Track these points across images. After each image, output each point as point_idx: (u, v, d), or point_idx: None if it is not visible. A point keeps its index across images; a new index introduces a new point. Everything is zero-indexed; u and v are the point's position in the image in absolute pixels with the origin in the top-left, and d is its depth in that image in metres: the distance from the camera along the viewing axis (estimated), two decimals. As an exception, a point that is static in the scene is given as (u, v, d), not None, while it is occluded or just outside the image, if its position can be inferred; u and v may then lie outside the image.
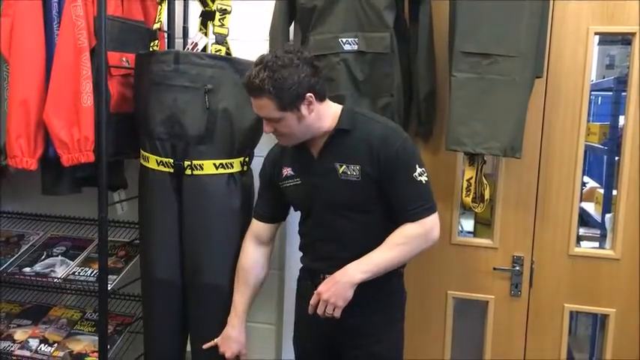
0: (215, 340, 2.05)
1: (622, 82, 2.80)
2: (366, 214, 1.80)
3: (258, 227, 2.02)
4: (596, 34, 2.20)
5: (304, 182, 1.86)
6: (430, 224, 1.76)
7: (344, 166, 1.77)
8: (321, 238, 1.89)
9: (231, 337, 2.01)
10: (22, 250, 2.43)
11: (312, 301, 1.75)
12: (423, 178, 1.76)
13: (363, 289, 1.73)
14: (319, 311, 1.73)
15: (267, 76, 1.65)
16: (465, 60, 2.00)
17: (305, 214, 1.94)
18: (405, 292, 1.96)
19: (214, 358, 2.15)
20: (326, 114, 1.78)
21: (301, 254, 2.00)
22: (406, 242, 1.75)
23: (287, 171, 1.89)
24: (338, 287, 1.71)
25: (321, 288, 1.74)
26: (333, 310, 1.71)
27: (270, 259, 2.07)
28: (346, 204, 1.80)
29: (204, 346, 2.06)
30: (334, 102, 1.85)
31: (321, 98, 1.75)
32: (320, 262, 1.89)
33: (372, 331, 1.84)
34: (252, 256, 2.02)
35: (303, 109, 1.70)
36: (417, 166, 1.76)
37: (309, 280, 1.93)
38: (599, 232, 2.92)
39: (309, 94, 1.69)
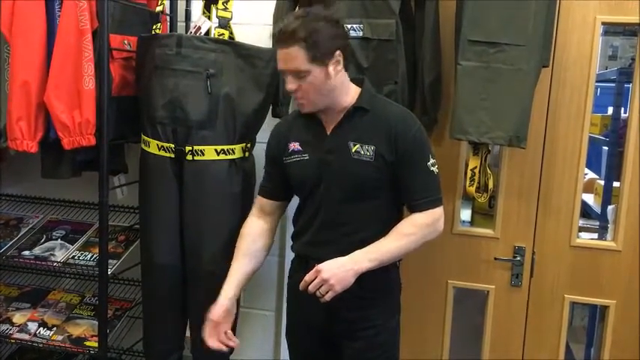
0: (207, 322, 1.85)
1: (625, 74, 2.78)
2: (372, 200, 1.76)
3: (261, 202, 1.95)
4: (603, 23, 2.18)
5: (312, 158, 1.79)
6: (438, 216, 1.75)
7: (357, 146, 1.74)
8: (321, 222, 1.81)
9: (231, 311, 1.87)
10: (21, 233, 2.41)
11: (308, 277, 1.66)
12: (435, 169, 1.75)
13: (360, 281, 1.68)
14: (312, 287, 1.65)
15: (302, 25, 1.63)
16: (472, 48, 1.98)
17: (306, 195, 1.85)
18: (401, 284, 1.92)
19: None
20: (348, 87, 1.77)
21: (293, 243, 1.92)
22: (414, 232, 1.73)
23: (294, 146, 1.83)
24: (342, 271, 1.65)
25: (323, 266, 1.65)
26: (326, 293, 1.64)
27: (273, 236, 1.96)
28: (354, 185, 1.75)
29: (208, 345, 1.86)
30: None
31: (345, 65, 1.74)
32: (317, 249, 1.81)
33: (370, 323, 1.81)
34: (255, 226, 1.93)
35: (331, 67, 1.68)
36: (430, 155, 1.75)
37: (303, 272, 1.78)
38: (598, 223, 2.92)
39: (338, 53, 1.68)
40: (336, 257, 1.70)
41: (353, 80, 1.82)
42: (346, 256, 1.69)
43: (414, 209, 1.75)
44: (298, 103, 1.77)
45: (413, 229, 1.73)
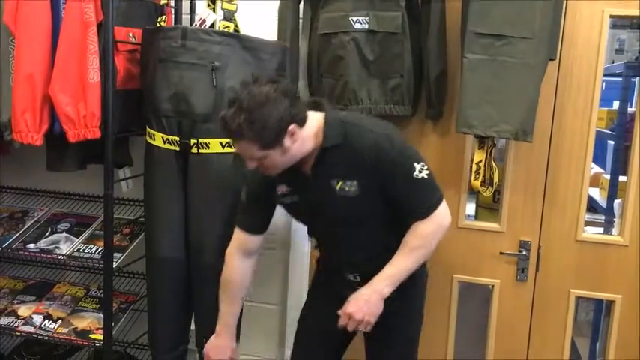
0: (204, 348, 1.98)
1: (631, 67, 2.77)
2: (370, 223, 1.76)
3: (245, 239, 1.87)
4: (611, 17, 2.16)
5: (302, 200, 1.78)
6: (441, 216, 1.70)
7: (341, 183, 1.69)
8: (327, 246, 1.89)
9: (222, 345, 1.94)
10: (26, 226, 2.42)
11: (343, 321, 1.70)
12: (424, 174, 1.67)
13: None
14: (350, 328, 1.70)
15: (245, 120, 1.52)
16: (478, 41, 1.97)
17: (308, 226, 1.93)
18: (424, 274, 1.94)
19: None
20: (309, 134, 1.66)
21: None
22: (423, 243, 1.71)
23: (282, 189, 1.79)
24: (370, 305, 1.68)
25: (351, 309, 1.68)
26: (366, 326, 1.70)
27: (255, 268, 1.95)
28: (348, 219, 1.75)
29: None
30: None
31: (303, 124, 1.63)
32: (333, 264, 1.91)
33: (393, 309, 1.79)
34: (240, 270, 1.90)
35: (287, 141, 1.59)
36: (414, 164, 1.66)
37: (325, 274, 1.95)
38: (603, 217, 2.91)
39: (291, 127, 1.58)
40: (349, 271, 1.84)
41: (312, 104, 1.71)
42: (367, 287, 1.71)
43: (415, 219, 1.70)
44: (262, 171, 1.71)
45: (420, 240, 1.71)
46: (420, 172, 1.67)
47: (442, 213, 1.71)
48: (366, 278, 1.74)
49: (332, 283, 1.89)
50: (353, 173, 1.68)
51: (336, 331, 1.77)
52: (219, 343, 1.95)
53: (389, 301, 1.72)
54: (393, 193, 1.69)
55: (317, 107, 1.72)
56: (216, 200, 2.06)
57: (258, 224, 1.88)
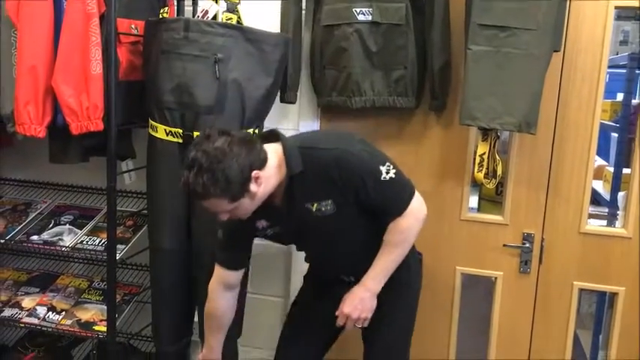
0: None
1: (636, 59, 2.75)
2: (355, 232, 1.79)
3: (225, 275, 1.88)
4: (616, 8, 2.14)
5: (284, 229, 1.82)
6: (416, 209, 1.73)
7: (316, 204, 1.70)
8: (318, 259, 1.96)
9: None
10: (29, 218, 2.42)
11: (340, 321, 1.78)
12: (392, 174, 1.69)
13: (359, 272, 1.79)
14: (348, 327, 1.80)
15: (208, 179, 1.53)
16: (482, 32, 1.96)
17: (296, 247, 1.99)
18: (420, 254, 1.99)
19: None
20: (272, 171, 1.66)
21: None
22: (404, 237, 1.75)
23: (261, 223, 1.81)
24: (365, 303, 1.76)
25: (347, 309, 1.76)
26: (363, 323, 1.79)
27: (237, 296, 1.98)
28: (332, 235, 1.78)
29: None
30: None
31: (264, 165, 1.63)
32: (322, 274, 1.99)
33: (387, 297, 1.83)
34: (223, 303, 1.92)
35: (253, 187, 1.60)
36: (380, 167, 1.68)
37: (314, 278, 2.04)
38: (607, 210, 2.90)
39: (254, 173, 1.59)
40: (343, 274, 1.89)
41: (267, 138, 1.72)
42: (359, 286, 1.78)
43: (393, 217, 1.73)
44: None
45: (400, 235, 1.75)
46: (387, 172, 1.69)
47: (416, 207, 1.74)
48: (360, 278, 1.79)
49: (326, 282, 1.95)
50: (325, 193, 1.70)
51: (329, 320, 1.82)
52: None
53: (383, 291, 1.78)
54: (367, 200, 1.70)
55: (272, 139, 1.72)
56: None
57: (237, 260, 1.89)
